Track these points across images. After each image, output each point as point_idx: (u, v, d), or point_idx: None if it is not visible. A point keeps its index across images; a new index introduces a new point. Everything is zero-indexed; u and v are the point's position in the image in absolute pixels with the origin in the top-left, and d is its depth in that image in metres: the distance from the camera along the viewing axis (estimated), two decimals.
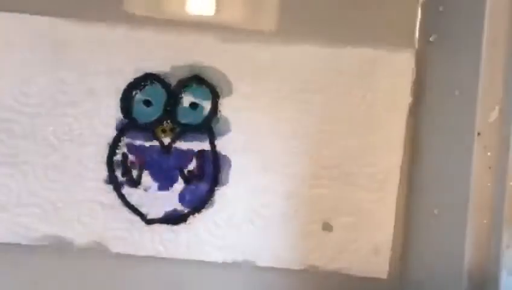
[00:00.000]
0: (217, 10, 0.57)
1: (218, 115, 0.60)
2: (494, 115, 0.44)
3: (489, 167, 0.45)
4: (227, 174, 0.60)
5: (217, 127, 0.60)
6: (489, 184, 0.45)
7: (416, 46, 0.55)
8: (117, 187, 0.60)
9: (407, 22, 0.56)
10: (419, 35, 0.55)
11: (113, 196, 0.60)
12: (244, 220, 0.60)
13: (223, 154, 0.60)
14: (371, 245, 0.58)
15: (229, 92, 0.59)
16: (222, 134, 0.60)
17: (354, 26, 0.57)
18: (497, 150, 0.44)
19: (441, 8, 0.52)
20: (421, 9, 0.55)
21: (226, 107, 0.59)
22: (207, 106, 0.59)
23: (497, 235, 0.44)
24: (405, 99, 0.56)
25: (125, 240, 0.60)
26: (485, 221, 0.44)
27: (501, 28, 0.45)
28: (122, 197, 0.60)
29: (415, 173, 0.56)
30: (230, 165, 0.60)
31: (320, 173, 0.59)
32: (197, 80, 0.59)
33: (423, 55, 0.55)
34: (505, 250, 0.43)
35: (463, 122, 0.47)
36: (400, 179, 0.56)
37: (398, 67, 0.57)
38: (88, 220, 0.59)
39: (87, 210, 0.59)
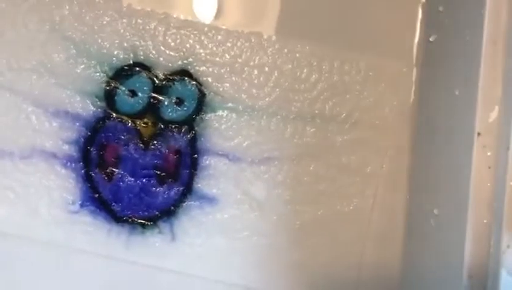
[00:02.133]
0: (217, 12, 0.52)
1: (203, 115, 0.52)
2: (494, 115, 0.41)
3: (489, 167, 0.41)
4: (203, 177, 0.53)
5: (200, 127, 0.52)
6: (489, 184, 0.41)
7: (416, 46, 0.51)
8: (89, 179, 0.52)
9: (407, 22, 0.51)
10: (419, 35, 0.51)
11: (85, 187, 0.52)
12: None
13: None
14: None
15: (217, 93, 0.51)
16: (205, 136, 0.52)
17: (354, 26, 0.52)
18: (497, 150, 0.41)
19: (441, 8, 0.48)
20: (421, 9, 0.51)
21: (211, 107, 0.52)
22: (192, 103, 0.51)
23: (497, 235, 0.40)
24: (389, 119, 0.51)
25: (91, 236, 0.52)
26: (485, 221, 0.41)
27: (501, 28, 0.41)
28: (93, 189, 0.52)
29: (415, 173, 0.51)
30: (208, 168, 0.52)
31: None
32: (185, 74, 0.52)
33: (423, 55, 0.51)
34: (505, 250, 0.39)
35: (463, 122, 0.43)
36: (400, 179, 0.52)
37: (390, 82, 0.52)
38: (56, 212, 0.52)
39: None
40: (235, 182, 0.54)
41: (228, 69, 0.53)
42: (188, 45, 0.53)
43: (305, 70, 0.53)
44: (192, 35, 0.53)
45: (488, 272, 0.41)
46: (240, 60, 0.53)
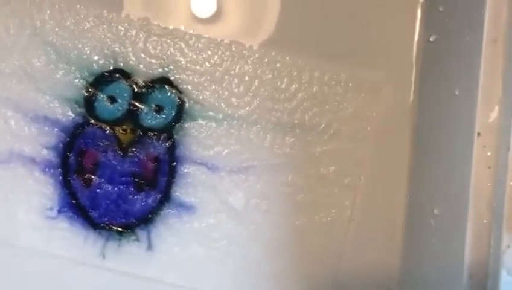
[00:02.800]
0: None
1: (182, 123, 0.49)
2: (494, 115, 0.40)
3: (489, 167, 0.40)
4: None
5: (179, 135, 0.50)
6: (489, 184, 0.40)
7: (416, 46, 0.49)
8: (67, 185, 0.49)
9: (407, 22, 0.49)
10: (419, 35, 0.49)
11: (63, 193, 0.49)
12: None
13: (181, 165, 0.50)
14: None
15: (196, 101, 0.49)
16: (183, 144, 0.49)
17: (353, 26, 0.50)
18: (497, 150, 0.40)
19: (441, 8, 0.46)
20: (421, 9, 0.49)
21: (190, 115, 0.49)
22: (172, 111, 0.49)
23: (497, 235, 0.39)
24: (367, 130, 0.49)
25: (68, 242, 0.49)
26: (485, 221, 0.40)
27: (501, 28, 0.40)
28: (71, 196, 0.49)
29: (415, 173, 0.49)
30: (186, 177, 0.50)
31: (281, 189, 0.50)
32: (165, 82, 0.50)
33: (423, 55, 0.49)
34: (505, 250, 0.38)
35: (463, 122, 0.42)
36: (400, 179, 0.50)
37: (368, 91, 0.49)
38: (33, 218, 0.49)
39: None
40: (213, 190, 0.51)
41: (208, 78, 0.50)
42: (168, 53, 0.50)
43: (285, 80, 0.51)
44: (172, 43, 0.50)
45: (488, 272, 0.39)
46: (220, 69, 0.50)
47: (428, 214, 0.46)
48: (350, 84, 0.49)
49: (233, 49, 0.49)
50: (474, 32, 0.41)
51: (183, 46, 0.49)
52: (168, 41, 0.49)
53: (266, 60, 0.49)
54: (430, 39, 0.48)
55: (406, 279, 0.50)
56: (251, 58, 0.49)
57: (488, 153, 0.40)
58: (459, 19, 0.44)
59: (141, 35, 0.49)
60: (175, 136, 0.50)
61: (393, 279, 0.50)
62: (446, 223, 0.44)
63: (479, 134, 0.40)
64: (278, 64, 0.49)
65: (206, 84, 0.49)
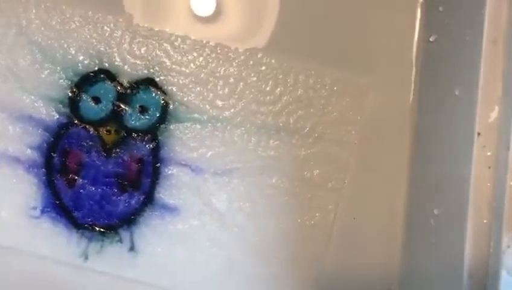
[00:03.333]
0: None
1: (166, 125, 0.48)
2: (494, 115, 0.39)
3: (489, 167, 0.39)
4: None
5: (163, 136, 0.48)
6: (489, 184, 0.39)
7: (416, 46, 0.48)
8: (51, 185, 0.48)
9: (407, 22, 0.48)
10: (419, 35, 0.48)
11: (47, 193, 0.48)
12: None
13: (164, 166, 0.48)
14: None
15: (181, 103, 0.47)
16: (168, 145, 0.48)
17: (353, 26, 0.49)
18: (497, 150, 0.39)
19: (441, 8, 0.45)
20: (421, 9, 0.48)
21: (175, 117, 0.48)
22: (156, 112, 0.47)
23: (497, 235, 0.38)
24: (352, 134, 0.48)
25: (51, 242, 0.48)
26: (485, 221, 0.39)
27: (501, 28, 0.39)
28: (55, 196, 0.48)
29: (415, 173, 0.48)
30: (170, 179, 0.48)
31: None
32: (150, 83, 0.48)
33: (423, 55, 0.48)
34: (505, 250, 0.37)
35: (463, 122, 0.40)
36: (400, 179, 0.49)
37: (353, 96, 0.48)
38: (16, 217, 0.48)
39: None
40: (197, 192, 0.48)
41: (193, 79, 0.48)
42: (153, 54, 0.47)
43: (270, 82, 0.49)
44: (158, 44, 0.47)
45: (488, 272, 0.38)
46: (205, 71, 0.48)
47: (428, 214, 0.45)
48: (335, 88, 0.48)
49: (219, 51, 0.48)
50: (474, 32, 0.40)
51: (168, 47, 0.48)
52: (154, 42, 0.47)
53: (251, 62, 0.48)
54: (430, 39, 0.47)
55: (406, 279, 0.48)
56: (236, 61, 0.48)
57: (488, 153, 0.39)
58: (459, 19, 0.42)
59: (126, 36, 0.48)
60: (159, 138, 0.48)
61: (393, 279, 0.48)
62: (446, 223, 0.42)
63: (479, 134, 0.39)
64: (263, 67, 0.48)
65: (191, 86, 0.48)
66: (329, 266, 0.49)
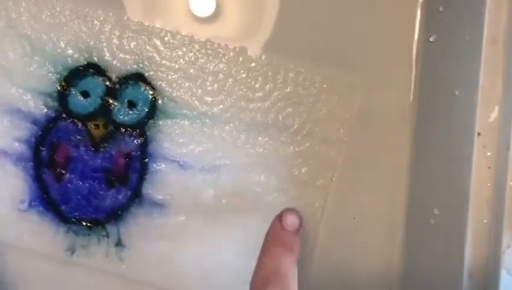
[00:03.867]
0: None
1: (155, 120, 0.47)
2: (494, 115, 0.38)
3: (489, 167, 0.38)
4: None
5: (152, 131, 0.47)
6: (489, 184, 0.38)
7: (416, 46, 0.47)
8: (39, 179, 0.47)
9: (407, 22, 0.47)
10: (419, 35, 0.47)
11: (34, 187, 0.47)
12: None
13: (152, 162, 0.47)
14: None
15: (170, 98, 0.47)
16: (156, 141, 0.47)
17: (352, 26, 0.48)
18: (497, 150, 0.38)
19: (441, 8, 0.44)
20: (421, 9, 0.47)
21: (163, 112, 0.47)
22: (145, 108, 0.46)
23: (497, 235, 0.38)
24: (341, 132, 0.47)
25: (38, 235, 0.47)
26: (485, 221, 0.38)
27: (501, 28, 0.38)
28: (42, 189, 0.47)
29: (415, 172, 0.47)
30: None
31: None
32: (139, 78, 0.47)
33: (423, 55, 0.47)
34: (505, 250, 0.37)
35: (463, 122, 0.40)
36: (400, 179, 0.48)
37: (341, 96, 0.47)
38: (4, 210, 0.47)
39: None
40: (185, 188, 0.47)
41: (182, 75, 0.46)
42: (143, 49, 0.46)
43: (259, 79, 0.48)
44: (147, 39, 0.46)
45: (488, 272, 0.38)
46: (194, 66, 0.47)
47: (428, 214, 0.44)
48: (324, 86, 0.46)
49: (208, 47, 0.46)
50: (474, 32, 0.39)
51: (158, 42, 0.46)
52: (143, 37, 0.46)
53: (241, 59, 0.46)
54: (430, 39, 0.46)
55: (406, 279, 0.47)
56: (226, 57, 0.46)
57: (488, 153, 0.38)
58: (459, 19, 0.42)
59: (116, 31, 0.46)
60: (147, 133, 0.47)
61: (394, 279, 0.48)
62: (446, 223, 0.42)
63: (479, 134, 0.38)
64: (252, 64, 0.46)
65: (180, 82, 0.46)
66: (330, 266, 0.48)
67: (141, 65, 0.45)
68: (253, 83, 0.45)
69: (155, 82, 0.46)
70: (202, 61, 0.45)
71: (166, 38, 0.45)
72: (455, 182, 0.40)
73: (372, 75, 0.47)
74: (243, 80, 0.45)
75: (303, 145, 0.45)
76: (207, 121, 0.45)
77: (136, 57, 0.45)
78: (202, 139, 0.46)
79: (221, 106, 0.45)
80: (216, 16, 0.45)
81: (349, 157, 0.48)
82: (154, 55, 0.45)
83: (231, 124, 0.45)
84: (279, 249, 0.40)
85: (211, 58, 0.45)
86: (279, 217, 0.42)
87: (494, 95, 0.38)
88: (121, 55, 0.45)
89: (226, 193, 0.46)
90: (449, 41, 0.43)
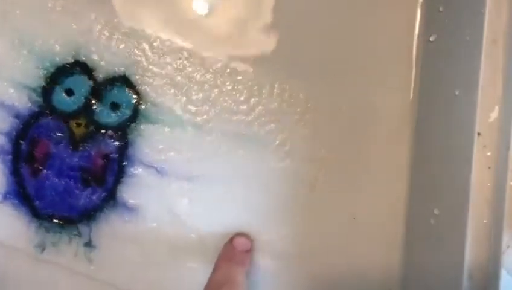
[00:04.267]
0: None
1: (137, 124, 0.46)
2: (494, 115, 0.38)
3: (489, 167, 0.38)
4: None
5: (132, 135, 0.46)
6: (489, 184, 0.38)
7: (416, 46, 0.47)
8: (16, 173, 0.46)
9: (407, 22, 0.47)
10: (419, 35, 0.47)
11: (11, 180, 0.46)
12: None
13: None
14: None
15: (153, 104, 0.46)
16: (136, 145, 0.46)
17: (352, 26, 0.47)
18: (497, 150, 0.38)
19: (441, 8, 0.44)
20: (421, 9, 0.47)
21: (146, 117, 0.46)
22: (127, 111, 0.45)
23: (497, 235, 0.37)
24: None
25: (10, 229, 0.47)
26: (485, 221, 0.38)
27: (501, 28, 0.38)
28: (19, 183, 0.46)
29: (415, 172, 0.46)
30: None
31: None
32: (125, 81, 0.46)
33: (423, 55, 0.46)
34: (505, 250, 0.37)
35: (463, 122, 0.39)
36: (400, 179, 0.47)
37: None
38: None
39: None
40: (160, 195, 0.45)
41: (168, 82, 0.45)
42: (131, 52, 0.45)
43: (244, 92, 0.48)
44: (136, 43, 0.45)
45: (488, 272, 0.37)
46: (181, 74, 0.45)
47: (428, 214, 0.43)
48: (308, 105, 0.46)
49: (196, 56, 0.46)
50: (474, 32, 0.39)
51: (146, 47, 0.46)
52: (132, 40, 0.46)
53: (228, 70, 0.46)
54: (430, 39, 0.45)
55: (406, 279, 0.46)
56: (213, 67, 0.46)
57: (488, 153, 0.38)
58: (459, 19, 0.41)
59: (106, 32, 0.46)
60: (128, 136, 0.45)
61: (394, 279, 0.47)
62: (446, 223, 0.41)
63: (479, 134, 0.38)
64: (239, 77, 0.46)
65: (165, 88, 0.45)
66: (329, 266, 0.47)
67: (128, 68, 0.44)
68: (238, 95, 0.44)
69: (140, 86, 0.44)
70: (189, 70, 0.44)
71: (155, 44, 0.44)
72: (455, 182, 0.39)
73: (372, 75, 0.46)
74: (229, 91, 0.44)
75: (283, 162, 0.44)
76: (189, 129, 0.44)
77: (124, 59, 0.44)
78: (182, 148, 0.44)
79: (204, 116, 0.44)
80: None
81: (349, 157, 0.47)
82: (142, 59, 0.44)
83: (213, 135, 0.44)
84: (230, 264, 0.41)
85: (198, 67, 0.44)
86: (231, 240, 0.43)
87: (494, 95, 0.38)
88: (109, 56, 0.44)
89: (200, 203, 0.45)
90: (449, 41, 0.43)
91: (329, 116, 0.46)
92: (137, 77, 0.44)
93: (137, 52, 0.43)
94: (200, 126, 0.44)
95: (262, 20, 0.46)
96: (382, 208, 0.46)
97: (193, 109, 0.43)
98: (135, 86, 0.45)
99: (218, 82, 0.43)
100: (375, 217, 0.46)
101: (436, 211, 0.42)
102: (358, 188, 0.46)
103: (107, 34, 0.42)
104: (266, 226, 0.45)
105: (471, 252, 0.37)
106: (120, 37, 0.43)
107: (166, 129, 0.45)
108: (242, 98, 0.43)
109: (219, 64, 0.43)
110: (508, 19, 0.37)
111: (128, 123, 0.44)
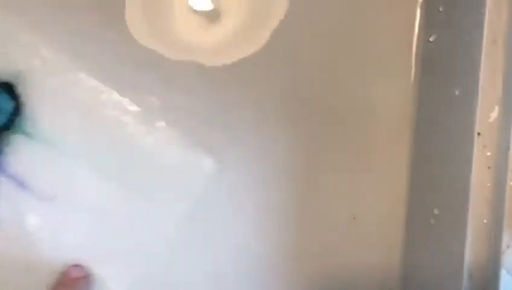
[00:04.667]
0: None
1: (9, 132, 0.44)
2: (494, 115, 0.38)
3: (489, 167, 0.38)
4: None
5: (2, 143, 0.44)
6: (489, 184, 0.38)
7: (416, 46, 0.47)
8: None
9: (407, 22, 0.47)
10: (419, 35, 0.46)
11: None
12: None
13: None
14: None
15: (31, 117, 0.44)
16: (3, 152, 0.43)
17: (352, 26, 0.47)
18: (497, 150, 0.38)
19: (441, 8, 0.44)
20: (421, 9, 0.46)
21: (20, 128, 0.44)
22: (3, 118, 0.43)
23: (497, 235, 0.37)
24: None
25: None
26: (485, 221, 0.38)
27: (501, 28, 0.38)
28: None
29: (415, 172, 0.46)
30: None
31: None
32: (7, 88, 0.44)
33: (423, 55, 0.46)
34: (505, 250, 0.37)
35: (463, 122, 0.39)
36: (400, 179, 0.47)
37: None
38: None
39: None
40: (13, 208, 0.44)
41: (54, 99, 0.44)
42: (19, 60, 0.44)
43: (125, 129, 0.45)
44: (32, 52, 0.44)
45: (488, 272, 0.37)
46: (68, 94, 0.44)
47: (428, 214, 0.43)
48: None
49: (84, 72, 0.44)
50: (474, 32, 0.38)
51: (38, 61, 0.43)
52: (23, 48, 0.43)
53: (114, 98, 0.45)
54: (430, 39, 0.45)
55: (406, 279, 0.45)
56: (102, 97, 0.44)
57: (488, 153, 0.37)
58: (459, 19, 0.41)
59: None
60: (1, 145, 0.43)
61: (394, 279, 0.46)
62: (446, 223, 0.40)
63: (479, 134, 0.37)
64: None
65: (49, 105, 0.43)
66: (329, 266, 0.46)
67: (16, 76, 0.43)
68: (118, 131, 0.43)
69: (24, 97, 0.43)
70: (77, 91, 0.43)
71: (50, 57, 0.43)
72: (455, 182, 0.39)
73: (372, 75, 0.45)
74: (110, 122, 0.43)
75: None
76: (59, 150, 0.43)
77: (16, 66, 0.43)
78: (46, 167, 0.43)
79: (79, 144, 0.44)
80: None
81: (349, 157, 0.46)
82: (34, 70, 0.43)
83: (83, 164, 0.43)
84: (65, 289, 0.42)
85: (87, 92, 0.43)
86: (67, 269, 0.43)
87: (494, 95, 0.37)
88: (1, 59, 0.42)
89: (50, 224, 0.45)
90: (449, 41, 0.42)
91: (329, 116, 0.46)
92: (23, 87, 0.43)
93: (29, 61, 0.43)
94: (71, 151, 0.44)
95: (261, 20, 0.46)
96: (382, 208, 0.46)
97: (69, 132, 0.44)
98: (18, 96, 0.43)
99: (101, 109, 0.44)
100: (375, 217, 0.46)
101: (436, 211, 0.42)
102: (358, 188, 0.46)
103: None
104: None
105: (471, 252, 0.37)
106: (15, 38, 0.43)
107: (36, 144, 0.43)
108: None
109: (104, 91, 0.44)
110: (508, 19, 0.37)
111: (1, 130, 0.43)
